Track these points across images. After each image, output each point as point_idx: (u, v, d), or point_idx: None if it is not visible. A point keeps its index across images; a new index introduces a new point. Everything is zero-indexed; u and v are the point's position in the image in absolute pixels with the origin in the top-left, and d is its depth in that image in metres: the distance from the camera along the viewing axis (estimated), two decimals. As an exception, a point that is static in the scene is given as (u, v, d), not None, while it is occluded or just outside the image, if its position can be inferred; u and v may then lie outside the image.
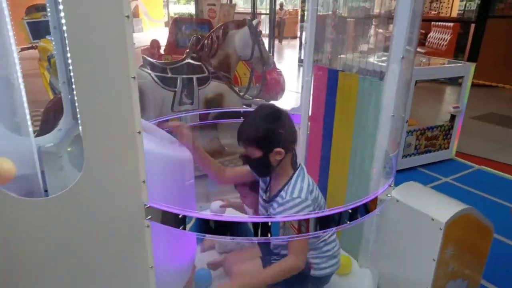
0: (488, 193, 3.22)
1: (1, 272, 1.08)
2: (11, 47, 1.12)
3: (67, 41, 0.91)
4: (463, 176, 3.63)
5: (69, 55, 0.98)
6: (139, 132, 1.05)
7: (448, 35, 8.09)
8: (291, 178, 1.41)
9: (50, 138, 1.39)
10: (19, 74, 1.16)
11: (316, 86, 1.99)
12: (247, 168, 1.51)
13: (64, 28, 0.95)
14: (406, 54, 1.42)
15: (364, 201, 1.27)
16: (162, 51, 5.14)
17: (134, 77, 1.00)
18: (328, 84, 1.90)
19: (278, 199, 1.39)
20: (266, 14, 9.68)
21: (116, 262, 1.17)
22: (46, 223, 1.05)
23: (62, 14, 1.11)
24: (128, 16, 0.94)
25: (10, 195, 0.96)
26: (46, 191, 1.24)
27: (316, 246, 1.50)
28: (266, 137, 1.37)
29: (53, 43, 1.39)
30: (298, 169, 1.44)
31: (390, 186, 1.42)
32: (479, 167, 3.81)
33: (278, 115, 1.42)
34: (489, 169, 3.78)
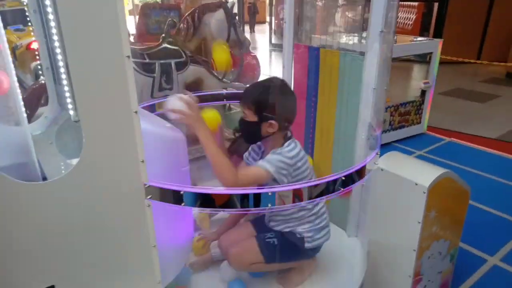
0: (459, 163, 3.40)
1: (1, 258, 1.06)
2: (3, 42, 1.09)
3: (61, 23, 0.89)
4: (435, 149, 3.80)
5: (55, 38, 0.97)
6: (136, 112, 1.05)
7: (413, 15, 8.30)
8: (282, 145, 1.44)
9: (37, 126, 1.36)
10: (11, 63, 1.13)
11: (297, 65, 2.03)
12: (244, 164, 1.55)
13: (49, 10, 0.94)
14: (386, 28, 1.48)
15: (354, 169, 1.32)
16: (131, 39, 5.02)
17: (128, 56, 1.00)
18: (309, 61, 1.94)
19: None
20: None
21: (119, 243, 1.18)
22: (46, 207, 1.04)
23: (47, -5, 1.09)
24: (120, -5, 0.94)
25: (11, 180, 0.95)
26: (44, 178, 1.23)
27: (308, 220, 1.55)
28: (265, 105, 1.39)
29: (32, 28, 1.35)
30: (290, 140, 1.46)
31: (376, 154, 1.49)
32: (449, 140, 4.00)
33: (286, 91, 1.46)
34: (458, 141, 3.98)
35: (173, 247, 1.39)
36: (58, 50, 1.18)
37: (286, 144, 1.44)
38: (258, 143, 1.58)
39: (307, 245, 1.55)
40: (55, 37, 1.14)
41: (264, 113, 1.40)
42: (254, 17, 13.14)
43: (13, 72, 1.22)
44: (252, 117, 1.42)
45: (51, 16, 1.12)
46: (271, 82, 1.48)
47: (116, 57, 0.99)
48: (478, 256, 2.27)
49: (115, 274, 1.22)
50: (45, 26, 1.22)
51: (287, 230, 1.54)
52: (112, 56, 0.99)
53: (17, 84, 1.14)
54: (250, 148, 1.62)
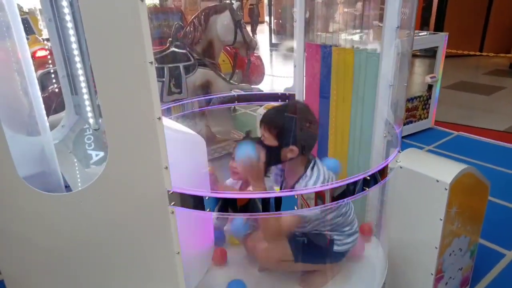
0: (470, 157, 3.38)
1: (27, 267, 1.05)
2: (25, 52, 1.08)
3: (85, 31, 0.88)
4: (444, 143, 3.79)
5: (74, 46, 0.96)
6: (159, 118, 1.04)
7: (413, 9, 8.27)
8: (306, 170, 1.42)
9: (55, 135, 1.35)
10: (33, 75, 1.12)
11: (308, 64, 2.01)
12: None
13: (67, 18, 0.92)
14: (403, 31, 1.46)
15: (377, 169, 1.31)
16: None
17: (151, 62, 0.98)
18: (322, 60, 1.92)
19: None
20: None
21: (143, 251, 1.17)
22: (72, 218, 1.03)
23: (64, 3, 1.08)
24: (142, 0, 0.93)
25: (37, 191, 0.94)
26: (67, 186, 1.22)
27: (337, 223, 1.53)
28: (286, 131, 1.38)
29: (44, 43, 1.33)
30: (312, 162, 1.44)
31: (398, 152, 1.47)
32: (457, 133, 3.99)
33: (308, 116, 1.44)
34: (467, 134, 3.96)
35: (196, 253, 1.38)
36: (77, 59, 1.17)
37: (309, 174, 1.41)
38: (276, 170, 1.56)
39: (336, 248, 1.54)
40: (74, 45, 1.13)
41: (285, 139, 1.38)
42: (256, 20, 13.02)
43: (36, 81, 1.20)
44: (272, 142, 1.39)
45: (69, 25, 1.11)
46: (293, 106, 1.48)
47: (140, 64, 0.98)
48: (496, 251, 2.25)
49: (140, 282, 1.22)
50: (61, 35, 1.21)
51: (316, 232, 1.53)
52: (136, 62, 0.98)
53: (39, 94, 1.12)
54: (272, 177, 1.60)
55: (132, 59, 0.98)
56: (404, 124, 3.88)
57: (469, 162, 3.29)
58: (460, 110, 4.79)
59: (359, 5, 1.89)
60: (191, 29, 2.75)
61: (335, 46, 1.85)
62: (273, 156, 1.42)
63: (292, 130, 1.39)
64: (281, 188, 1.55)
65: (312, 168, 1.42)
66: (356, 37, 1.82)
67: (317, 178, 1.39)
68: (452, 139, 3.88)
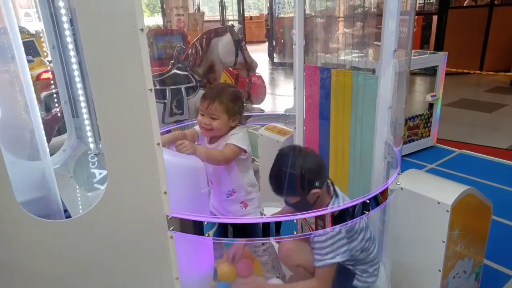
0: (473, 175, 3.35)
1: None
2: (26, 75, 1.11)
3: (85, 59, 0.90)
4: (447, 161, 3.77)
5: (76, 73, 0.98)
6: (158, 144, 1.05)
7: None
8: (331, 200, 1.46)
9: (56, 159, 1.36)
10: (34, 98, 1.14)
11: (308, 86, 2.03)
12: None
13: (70, 47, 0.94)
14: (400, 51, 1.48)
15: (377, 192, 1.31)
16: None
17: (150, 89, 1.00)
18: (321, 82, 1.94)
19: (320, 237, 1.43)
20: (234, 20, 9.74)
21: (142, 276, 1.16)
22: (71, 244, 1.03)
23: (66, 33, 1.11)
24: (142, 29, 0.95)
25: (35, 218, 0.94)
26: (66, 210, 1.22)
27: (360, 259, 1.55)
28: (301, 186, 1.43)
29: (48, 64, 1.36)
30: (333, 197, 1.48)
31: (398, 174, 1.47)
32: (460, 151, 3.97)
33: (306, 157, 1.50)
34: (469, 152, 3.94)
35: (195, 278, 1.37)
36: (78, 85, 1.19)
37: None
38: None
39: (355, 282, 1.53)
40: (76, 72, 1.16)
41: (303, 191, 1.43)
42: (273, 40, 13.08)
43: (36, 105, 1.22)
44: (295, 199, 1.46)
45: (72, 53, 1.14)
46: (288, 158, 1.50)
47: (140, 90, 1.00)
48: (502, 272, 2.21)
49: (139, 308, 1.20)
50: (64, 62, 1.23)
51: None
52: (135, 89, 0.99)
53: (40, 119, 1.14)
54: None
55: (132, 86, 0.99)
56: (406, 143, 3.87)
57: (472, 181, 3.28)
58: (462, 128, 4.79)
59: (357, 25, 1.92)
60: (193, 51, 2.79)
61: (334, 68, 1.87)
62: (304, 206, 1.43)
63: (303, 182, 1.44)
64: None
65: (335, 191, 1.49)
66: (355, 58, 1.84)
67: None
68: (454, 157, 3.87)
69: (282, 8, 9.73)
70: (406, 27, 1.53)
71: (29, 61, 4.29)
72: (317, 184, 1.42)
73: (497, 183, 3.23)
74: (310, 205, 1.45)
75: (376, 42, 1.73)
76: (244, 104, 1.68)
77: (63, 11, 1.15)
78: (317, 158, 1.54)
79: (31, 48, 4.16)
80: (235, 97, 1.60)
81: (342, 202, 1.45)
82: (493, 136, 4.43)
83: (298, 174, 1.43)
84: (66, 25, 1.14)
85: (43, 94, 3.44)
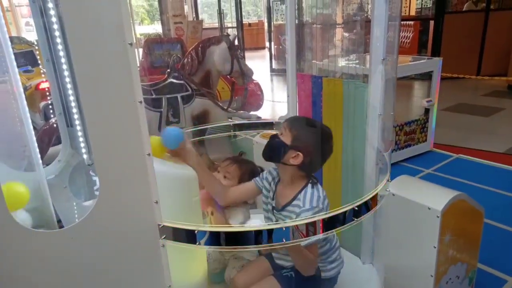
0: (470, 180, 3.37)
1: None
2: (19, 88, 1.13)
3: (75, 73, 0.93)
4: (444, 166, 3.78)
5: (69, 86, 1.00)
6: (149, 154, 1.08)
7: (410, 33, 8.44)
8: (306, 185, 1.43)
9: (51, 169, 1.39)
10: (26, 107, 1.17)
11: (301, 94, 2.06)
12: (251, 185, 1.56)
13: (63, 61, 0.97)
14: (387, 56, 1.51)
15: (366, 198, 1.33)
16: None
17: (140, 101, 1.03)
18: (313, 91, 1.97)
19: (295, 208, 1.39)
20: (233, 27, 9.80)
21: (134, 284, 1.18)
22: (63, 254, 1.05)
23: (59, 47, 1.14)
24: (131, 44, 0.98)
25: (26, 229, 0.96)
26: (59, 221, 1.24)
27: (322, 252, 1.53)
28: (305, 139, 1.41)
29: (43, 75, 1.39)
30: (310, 184, 1.45)
31: (388, 181, 1.49)
32: (457, 156, 3.98)
33: (329, 142, 1.49)
34: (466, 156, 3.96)
35: (188, 286, 1.38)
36: (71, 98, 1.22)
37: (309, 187, 1.43)
38: (274, 172, 1.56)
39: (324, 274, 1.53)
40: (69, 85, 1.18)
41: (299, 143, 1.40)
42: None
43: (28, 117, 1.24)
44: (286, 139, 1.41)
45: (64, 66, 1.16)
46: (323, 127, 1.53)
47: (129, 103, 1.02)
48: (497, 277, 2.22)
49: (132, 316, 1.22)
50: (58, 75, 1.26)
51: None
52: (125, 101, 1.02)
53: (32, 129, 1.17)
54: (264, 174, 1.59)
55: (122, 99, 1.02)
56: (403, 148, 3.89)
57: (469, 185, 3.29)
58: (460, 132, 4.80)
59: (353, 32, 1.95)
60: (189, 60, 2.83)
61: (325, 76, 1.90)
62: (278, 151, 1.42)
63: (309, 142, 1.42)
64: (272, 198, 1.54)
65: (311, 187, 1.42)
66: (350, 65, 1.86)
67: (310, 206, 1.37)
68: (451, 162, 3.88)
69: (281, 15, 9.81)
70: (393, 32, 1.54)
71: (28, 71, 4.35)
72: (305, 156, 1.39)
73: (494, 187, 3.24)
74: (279, 157, 1.42)
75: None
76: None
77: (55, 26, 1.18)
78: (328, 154, 1.51)
79: (30, 58, 4.21)
80: (252, 171, 1.68)
81: (317, 196, 1.40)
82: (490, 140, 4.44)
83: (313, 135, 1.44)
84: (58, 40, 1.17)
85: (42, 103, 3.48)
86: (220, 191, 1.56)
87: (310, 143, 1.43)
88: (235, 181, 1.64)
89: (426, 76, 4.30)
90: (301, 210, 1.36)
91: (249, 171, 1.68)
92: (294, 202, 1.41)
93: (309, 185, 1.43)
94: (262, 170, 1.70)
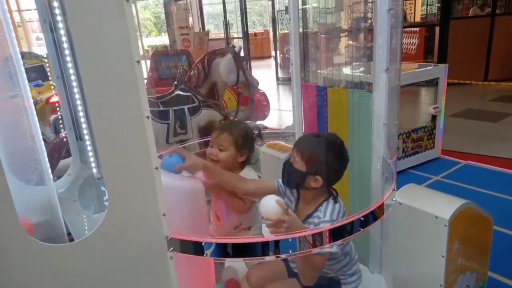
0: (479, 186, 3.33)
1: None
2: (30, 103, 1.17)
3: (84, 90, 0.96)
4: (452, 173, 3.75)
5: (78, 102, 1.03)
6: (156, 168, 1.10)
7: (416, 39, 8.45)
8: (328, 198, 1.42)
9: (61, 183, 1.42)
10: (36, 122, 1.20)
11: (305, 105, 2.08)
12: (272, 183, 1.54)
13: (72, 78, 1.00)
14: (390, 65, 1.52)
15: (372, 208, 1.33)
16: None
17: (148, 117, 1.05)
18: (318, 101, 1.99)
19: (314, 219, 1.40)
20: (238, 37, 9.89)
21: (143, 297, 1.19)
22: (73, 266, 1.07)
23: (69, 65, 1.18)
24: (138, 61, 1.01)
25: (39, 243, 0.99)
26: (69, 234, 1.26)
27: (342, 264, 1.53)
28: (318, 162, 1.39)
29: (53, 89, 1.43)
30: (331, 198, 1.44)
31: (393, 190, 1.49)
32: (465, 163, 3.95)
33: (341, 152, 1.45)
34: (475, 163, 3.92)
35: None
36: (81, 114, 1.25)
37: (331, 200, 1.42)
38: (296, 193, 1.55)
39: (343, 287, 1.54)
40: (78, 102, 1.22)
41: (314, 168, 1.39)
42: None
43: (39, 132, 1.28)
44: (300, 167, 1.40)
45: (74, 83, 1.20)
46: (333, 138, 1.48)
47: (137, 118, 1.05)
48: (509, 286, 2.18)
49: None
50: (68, 91, 1.30)
51: (324, 274, 1.52)
52: (133, 117, 1.05)
53: (42, 143, 1.19)
54: (287, 191, 1.57)
55: (130, 114, 1.05)
56: (410, 155, 3.87)
57: (478, 192, 3.26)
58: (468, 138, 4.76)
59: (359, 40, 1.96)
60: (195, 72, 2.87)
61: (329, 86, 1.91)
62: (297, 180, 1.41)
63: (323, 163, 1.40)
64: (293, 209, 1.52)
65: (333, 202, 1.42)
66: (356, 73, 1.87)
67: (330, 219, 1.37)
68: (460, 169, 3.85)
69: (286, 24, 9.89)
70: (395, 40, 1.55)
71: (38, 85, 4.43)
72: (324, 178, 1.37)
73: (504, 194, 3.20)
74: (300, 185, 1.42)
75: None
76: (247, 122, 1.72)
77: (65, 45, 1.22)
78: (343, 169, 1.48)
79: (41, 73, 4.30)
80: (245, 132, 1.63)
81: (338, 210, 1.40)
82: (499, 146, 4.40)
83: (325, 155, 1.39)
84: (68, 58, 1.21)
85: (52, 117, 3.55)
86: (237, 180, 1.53)
87: (325, 162, 1.41)
88: (232, 149, 1.57)
89: (433, 83, 4.30)
90: (320, 220, 1.37)
91: (242, 134, 1.62)
92: (315, 214, 1.42)
93: (331, 199, 1.43)
94: (259, 130, 1.69)
